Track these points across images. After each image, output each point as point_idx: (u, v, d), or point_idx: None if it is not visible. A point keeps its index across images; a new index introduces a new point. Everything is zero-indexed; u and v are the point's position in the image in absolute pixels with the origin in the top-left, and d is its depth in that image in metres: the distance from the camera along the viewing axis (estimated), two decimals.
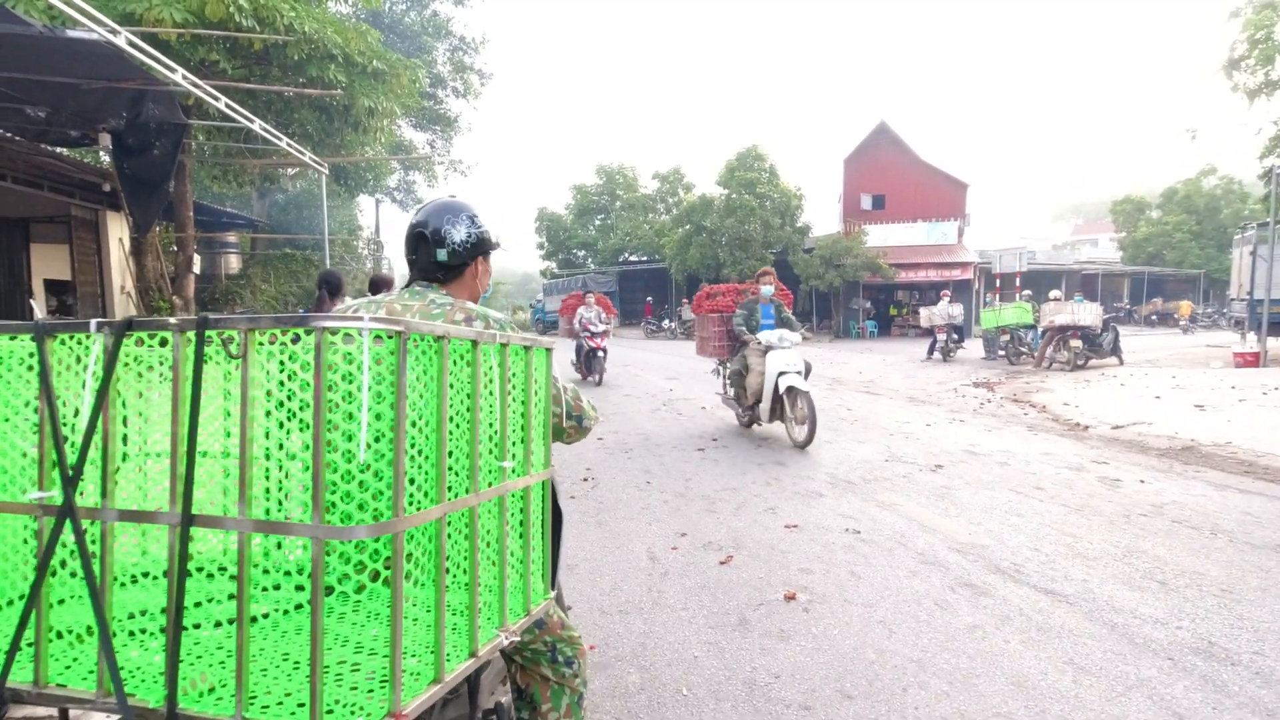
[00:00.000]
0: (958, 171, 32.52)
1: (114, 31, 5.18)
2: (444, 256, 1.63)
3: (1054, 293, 15.53)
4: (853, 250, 28.11)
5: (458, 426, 1.12)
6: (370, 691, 0.97)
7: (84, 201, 10.44)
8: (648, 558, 3.93)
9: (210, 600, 1.16)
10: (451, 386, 1.09)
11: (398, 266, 20.16)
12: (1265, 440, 6.48)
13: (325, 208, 11.74)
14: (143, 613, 1.08)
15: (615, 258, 41.63)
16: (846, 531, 4.29)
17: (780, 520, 4.54)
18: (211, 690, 0.97)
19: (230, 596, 1.15)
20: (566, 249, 43.81)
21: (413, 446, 1.00)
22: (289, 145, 8.90)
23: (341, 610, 1.17)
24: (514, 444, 1.29)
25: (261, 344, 0.96)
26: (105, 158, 10.52)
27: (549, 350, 1.41)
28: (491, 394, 1.22)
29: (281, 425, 1.02)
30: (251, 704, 0.93)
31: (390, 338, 0.96)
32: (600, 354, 12.41)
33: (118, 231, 10.96)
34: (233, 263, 17.51)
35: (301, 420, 0.98)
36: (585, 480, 5.69)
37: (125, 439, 1.08)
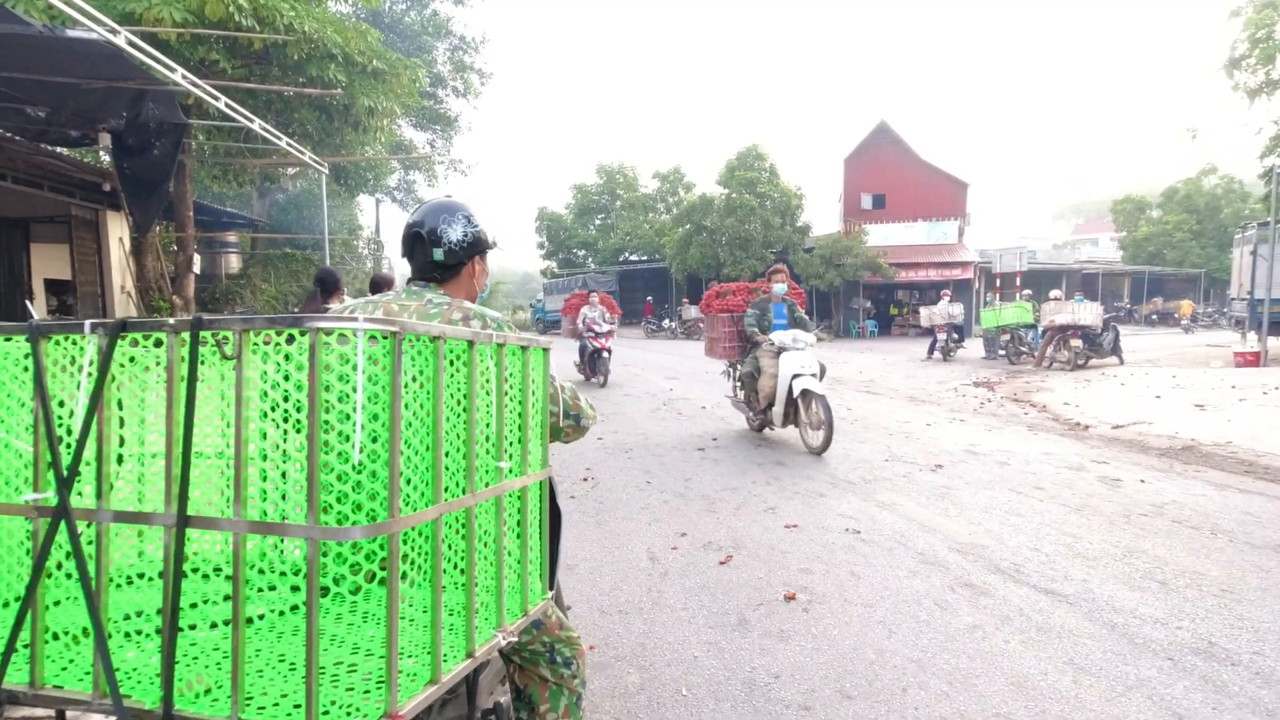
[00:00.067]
0: (958, 171, 32.54)
1: (114, 31, 5.18)
2: (440, 256, 1.63)
3: (1054, 292, 15.52)
4: (853, 250, 28.10)
5: (454, 426, 1.12)
6: (366, 692, 0.97)
7: (84, 201, 10.44)
8: (647, 558, 3.93)
9: (206, 601, 1.16)
10: (447, 386, 1.09)
11: (398, 266, 20.14)
12: (1265, 440, 6.48)
13: (325, 207, 11.74)
14: (139, 614, 1.08)
15: (615, 257, 41.64)
16: (846, 531, 4.29)
17: (780, 520, 4.53)
18: (207, 691, 0.97)
19: (226, 598, 1.15)
20: (567, 248, 43.81)
21: (408, 447, 1.00)
22: (289, 145, 8.90)
23: (338, 611, 1.17)
24: (511, 444, 1.29)
25: (256, 345, 0.96)
26: (105, 158, 10.52)
27: (546, 350, 1.40)
28: (488, 394, 1.22)
29: (277, 426, 1.02)
30: (247, 705, 0.93)
31: (386, 338, 0.96)
32: (605, 355, 12.17)
33: (118, 231, 10.97)
34: (233, 262, 17.52)
35: (297, 421, 0.98)
36: (585, 480, 5.69)
37: (121, 440, 1.07)
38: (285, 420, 1.01)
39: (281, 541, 1.19)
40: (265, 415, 1.00)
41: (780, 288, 7.26)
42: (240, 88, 8.69)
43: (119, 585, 1.06)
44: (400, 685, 0.95)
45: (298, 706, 0.92)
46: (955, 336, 17.23)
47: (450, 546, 1.11)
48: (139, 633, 1.06)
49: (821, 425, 6.33)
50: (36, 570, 1.01)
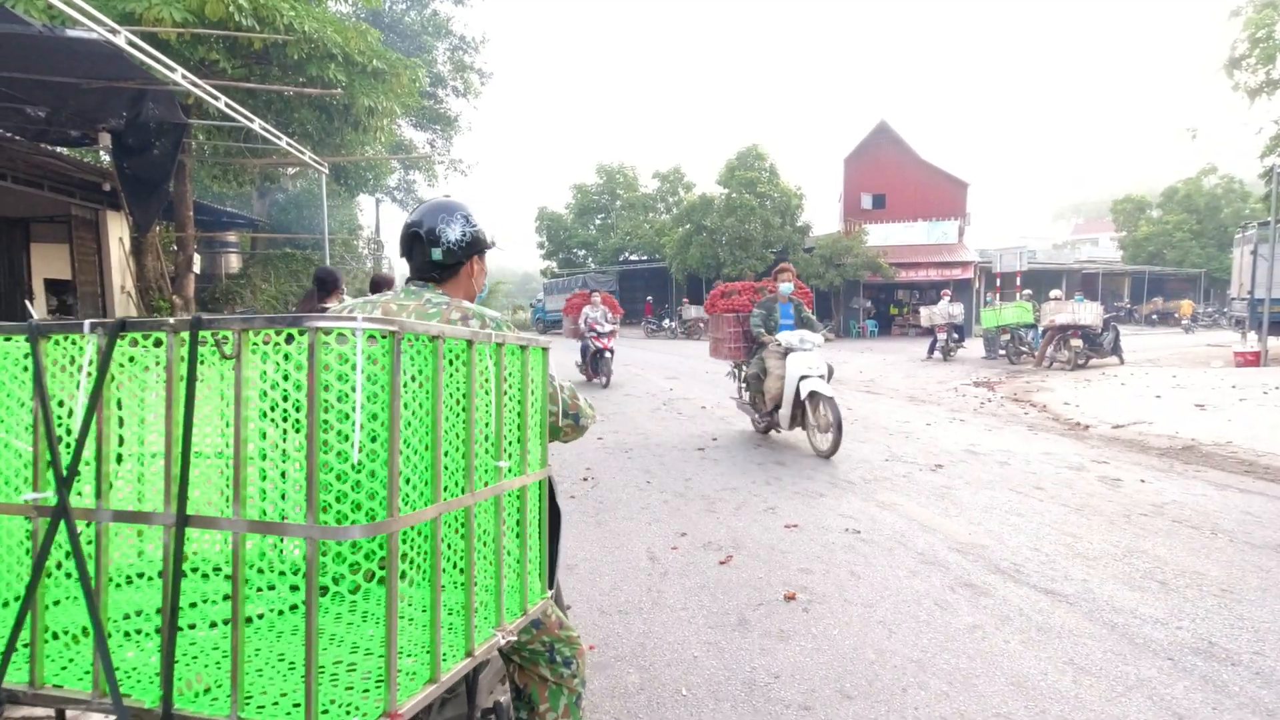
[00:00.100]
0: (958, 171, 32.54)
1: (113, 31, 5.18)
2: (439, 256, 1.63)
3: (1054, 292, 15.52)
4: (853, 250, 28.10)
5: (453, 426, 1.12)
6: (366, 691, 0.97)
7: (84, 201, 10.44)
8: (647, 558, 3.93)
9: (206, 601, 1.16)
10: (446, 386, 1.09)
11: (398, 266, 20.14)
12: (1266, 440, 6.48)
13: (325, 207, 11.73)
14: (138, 613, 1.08)
15: (615, 257, 41.64)
16: (846, 531, 4.29)
17: (780, 520, 4.53)
18: (207, 690, 0.97)
19: (225, 597, 1.15)
20: (567, 248, 43.82)
21: (407, 446, 1.00)
22: (289, 145, 8.90)
23: (337, 610, 1.17)
24: (510, 443, 1.29)
25: (256, 344, 0.96)
26: (105, 157, 10.51)
27: (545, 349, 1.41)
28: (487, 393, 1.22)
29: (276, 425, 1.02)
30: (247, 704, 0.93)
31: (385, 337, 0.96)
32: (607, 355, 12.08)
33: (118, 231, 10.97)
34: (233, 262, 17.52)
35: (296, 420, 0.98)
36: (585, 480, 5.69)
37: (121, 440, 1.07)
38: (284, 420, 1.01)
39: (281, 541, 1.19)
40: (264, 415, 1.00)
41: (787, 287, 7.09)
42: (240, 88, 8.69)
43: (118, 585, 1.07)
44: (400, 684, 0.95)
45: (297, 706, 0.92)
46: (955, 336, 17.23)
47: (449, 546, 1.11)
48: (139, 632, 1.06)
49: (830, 428, 6.19)
50: (36, 570, 1.01)
